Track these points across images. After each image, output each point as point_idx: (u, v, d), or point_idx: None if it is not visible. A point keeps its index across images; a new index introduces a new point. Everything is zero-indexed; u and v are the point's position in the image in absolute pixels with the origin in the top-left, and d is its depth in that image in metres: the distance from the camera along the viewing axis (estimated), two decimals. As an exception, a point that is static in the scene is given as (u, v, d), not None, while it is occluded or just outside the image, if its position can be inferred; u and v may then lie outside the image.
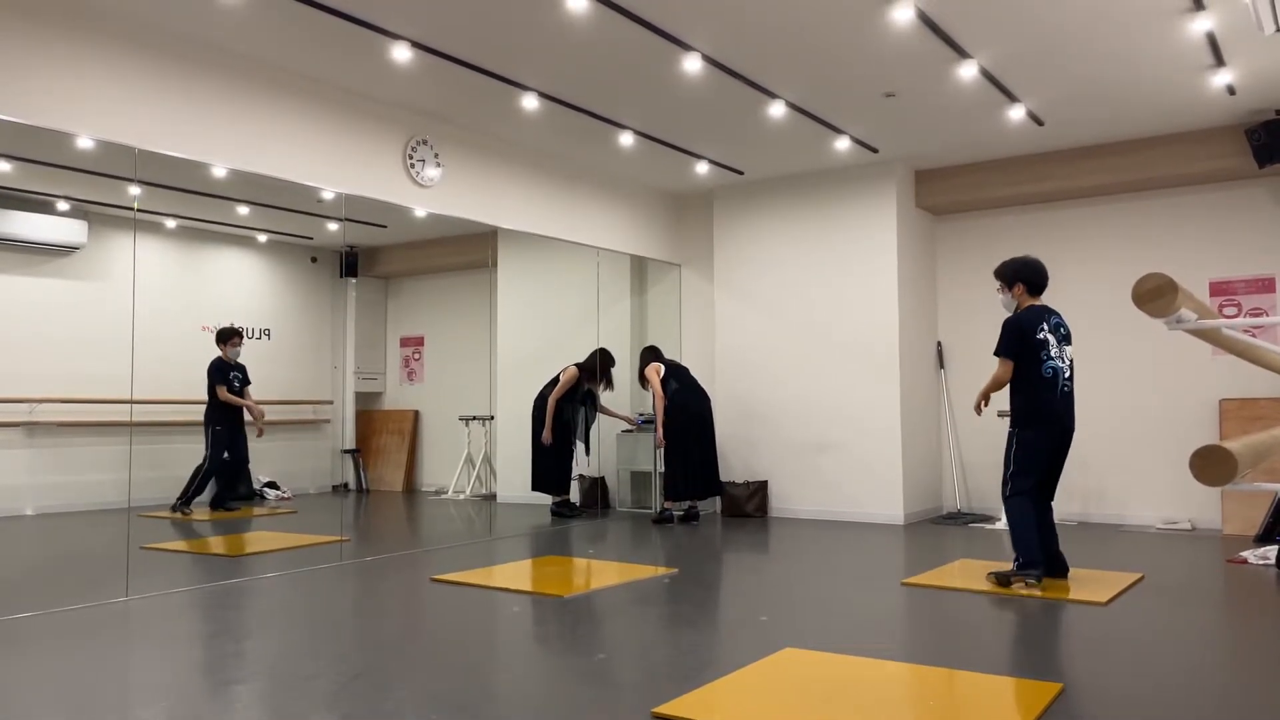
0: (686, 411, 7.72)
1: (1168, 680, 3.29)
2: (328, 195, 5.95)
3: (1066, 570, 5.06)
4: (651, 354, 8.02)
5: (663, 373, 7.78)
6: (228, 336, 7.18)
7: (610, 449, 8.68)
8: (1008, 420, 5.14)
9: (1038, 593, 4.75)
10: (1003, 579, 4.93)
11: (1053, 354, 4.95)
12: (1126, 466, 7.39)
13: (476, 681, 3.29)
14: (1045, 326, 4.97)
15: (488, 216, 6.88)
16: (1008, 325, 5.03)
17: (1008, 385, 5.08)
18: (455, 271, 9.02)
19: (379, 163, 6.10)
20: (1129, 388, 7.40)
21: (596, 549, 6.32)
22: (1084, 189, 7.45)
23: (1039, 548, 4.92)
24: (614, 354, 8.24)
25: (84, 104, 4.64)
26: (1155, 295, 2.70)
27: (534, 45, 5.26)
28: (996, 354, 5.05)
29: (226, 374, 7.16)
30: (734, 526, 7.51)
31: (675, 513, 7.76)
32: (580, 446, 8.15)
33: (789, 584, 5.11)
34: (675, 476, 7.67)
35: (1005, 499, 5.05)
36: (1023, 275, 5.11)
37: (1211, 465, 2.55)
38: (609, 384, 8.27)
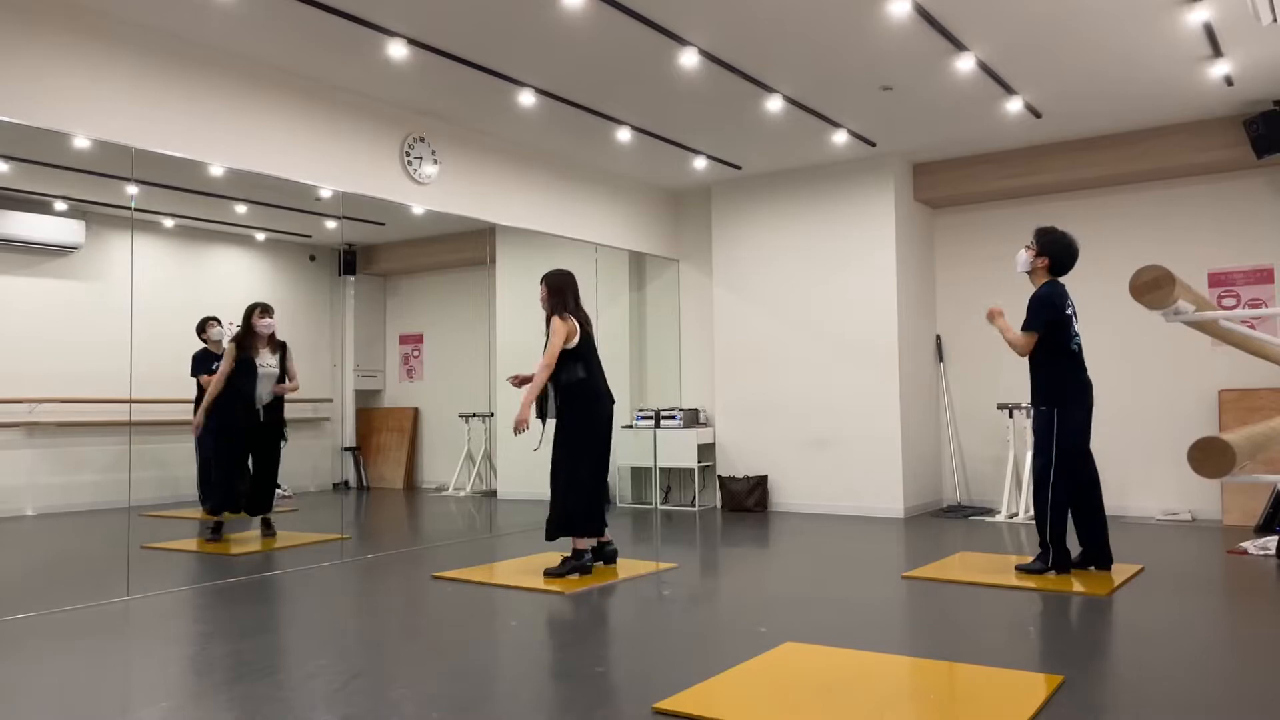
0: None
1: (1169, 671, 3.29)
2: (325, 193, 5.94)
3: (1111, 562, 5.01)
4: (569, 286, 5.26)
5: (576, 338, 5.12)
6: (205, 327, 7.13)
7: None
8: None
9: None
10: (1033, 571, 4.93)
11: (1075, 329, 5.00)
12: (1126, 458, 7.38)
13: (477, 680, 3.29)
14: (1070, 302, 5.00)
15: (485, 213, 6.88)
16: (1040, 300, 4.92)
17: (1019, 367, 5.06)
18: (453, 268, 9.01)
19: (376, 160, 6.09)
20: (1128, 379, 7.39)
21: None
22: (1082, 181, 7.44)
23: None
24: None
25: (80, 104, 4.63)
26: (1153, 287, 2.71)
27: (530, 41, 5.25)
28: (1027, 328, 4.90)
29: (209, 364, 7.10)
30: (734, 521, 7.51)
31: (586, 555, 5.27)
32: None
33: (789, 578, 5.11)
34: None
35: (1051, 486, 4.87)
36: (1054, 252, 4.99)
37: (1210, 457, 2.55)
38: (279, 352, 6.62)
